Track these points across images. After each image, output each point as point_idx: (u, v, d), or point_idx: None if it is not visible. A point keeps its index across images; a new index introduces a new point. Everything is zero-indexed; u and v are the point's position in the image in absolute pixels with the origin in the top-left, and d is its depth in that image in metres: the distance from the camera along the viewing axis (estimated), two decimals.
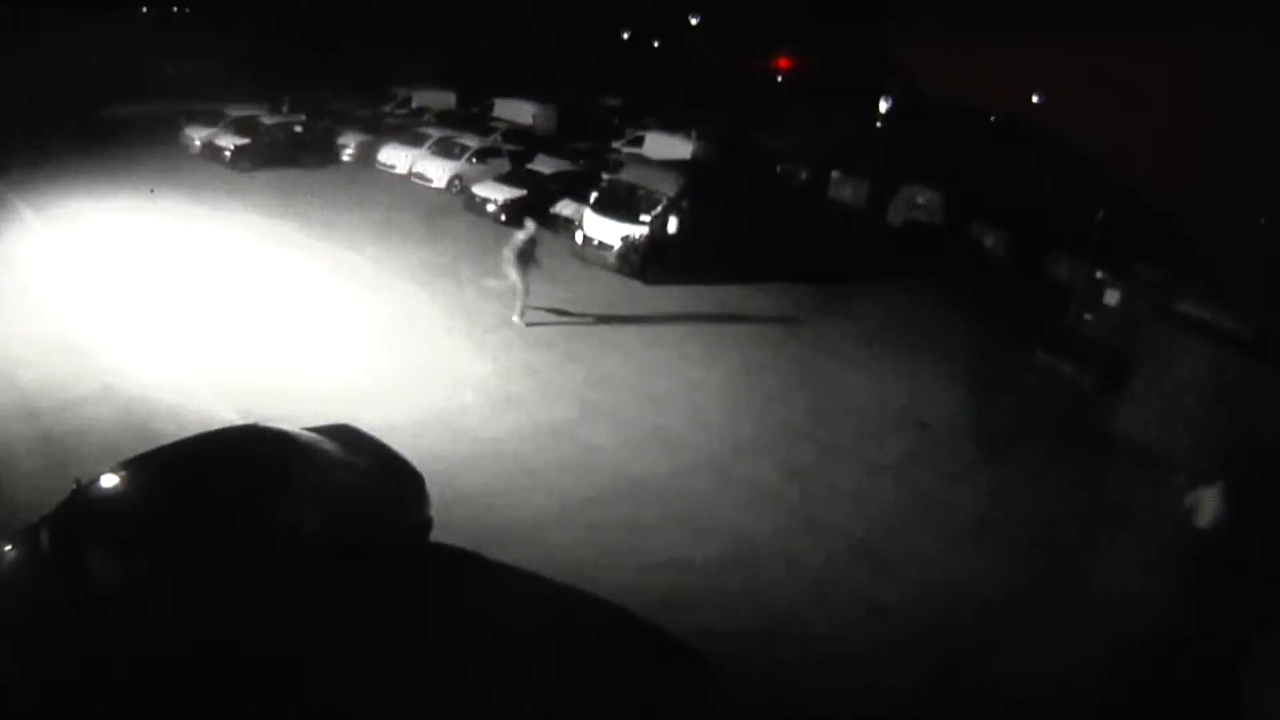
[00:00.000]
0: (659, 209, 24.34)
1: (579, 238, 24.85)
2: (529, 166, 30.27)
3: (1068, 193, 39.19)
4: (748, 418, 17.49)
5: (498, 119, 38.98)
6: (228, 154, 28.74)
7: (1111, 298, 25.04)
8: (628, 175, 26.25)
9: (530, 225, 19.79)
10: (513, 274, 19.63)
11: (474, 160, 30.91)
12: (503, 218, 27.11)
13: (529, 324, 19.74)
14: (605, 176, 28.02)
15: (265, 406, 13.39)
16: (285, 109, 34.21)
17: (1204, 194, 35.23)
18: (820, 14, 61.15)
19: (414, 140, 32.26)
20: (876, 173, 41.61)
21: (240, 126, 29.88)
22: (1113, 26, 44.19)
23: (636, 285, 23.86)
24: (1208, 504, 15.32)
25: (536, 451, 14.60)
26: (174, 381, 14.61)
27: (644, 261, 24.13)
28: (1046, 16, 48.75)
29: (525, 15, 53.78)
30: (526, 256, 19.69)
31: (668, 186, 24.76)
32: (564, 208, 27.11)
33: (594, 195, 25.60)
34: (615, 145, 38.01)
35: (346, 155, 32.14)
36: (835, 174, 41.95)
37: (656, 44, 69.96)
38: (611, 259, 24.21)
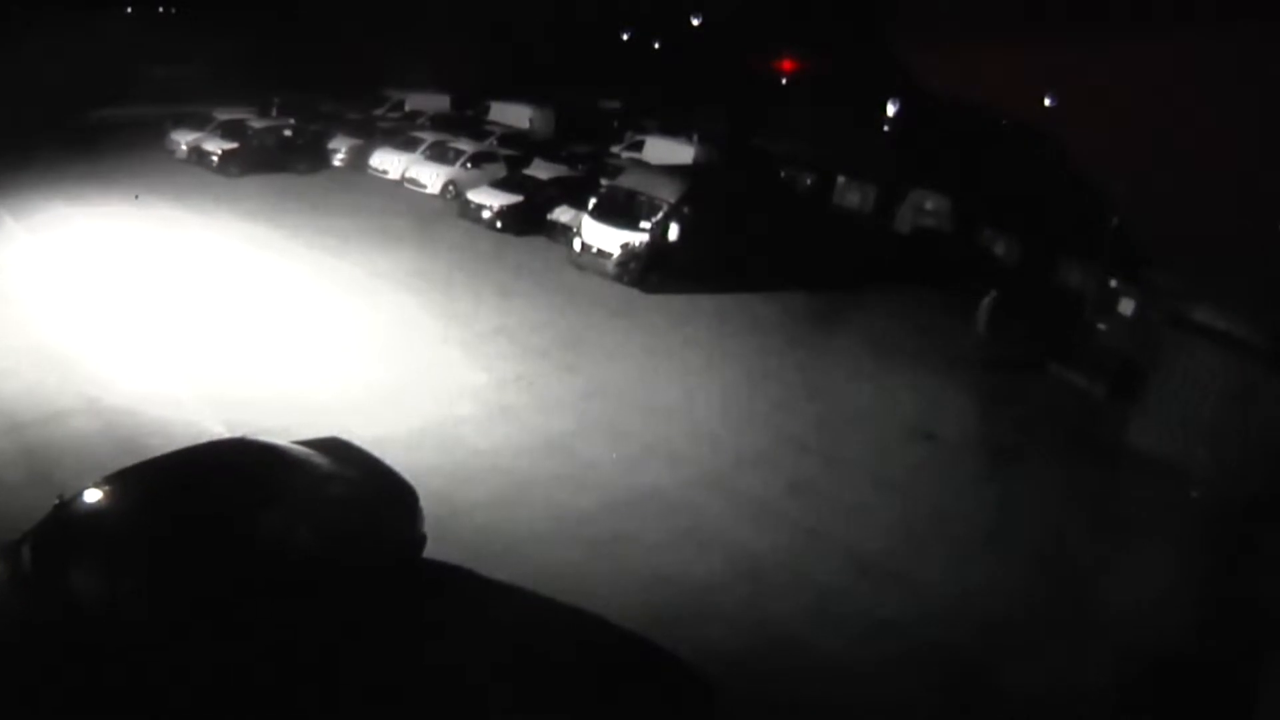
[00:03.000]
0: (659, 216, 24.41)
1: (577, 245, 24.91)
2: (525, 171, 30.37)
3: (1081, 198, 39.27)
4: (751, 429, 17.53)
5: (493, 123, 39.13)
6: (215, 158, 28.82)
7: (1125, 306, 25.07)
8: (627, 181, 26.31)
9: (993, 292, 24.42)
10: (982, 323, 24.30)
11: (469, 165, 31.02)
12: (498, 224, 27.18)
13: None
14: (604, 182, 28.10)
15: (254, 419, 13.41)
16: (274, 112, 34.33)
17: (1219, 198, 35.28)
18: (824, 15, 61.30)
19: (407, 144, 32.38)
20: (883, 177, 41.69)
21: (228, 130, 29.97)
22: (1126, 26, 44.32)
23: (636, 294, 23.92)
24: None
25: (533, 465, 14.63)
26: (160, 393, 14.65)
27: (644, 269, 24.18)
28: (1054, 16, 48.90)
29: (523, 15, 53.90)
30: (995, 313, 24.28)
31: (668, 192, 24.82)
32: (562, 214, 27.18)
33: (592, 201, 25.66)
34: (614, 149, 38.12)
35: (338, 160, 32.25)
36: (841, 179, 42.04)
37: (657, 45, 70.12)
38: (610, 267, 24.25)
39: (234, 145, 29.22)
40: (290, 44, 44.99)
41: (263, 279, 20.48)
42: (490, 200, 27.69)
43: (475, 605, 11.20)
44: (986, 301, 24.28)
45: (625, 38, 68.59)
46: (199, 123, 30.53)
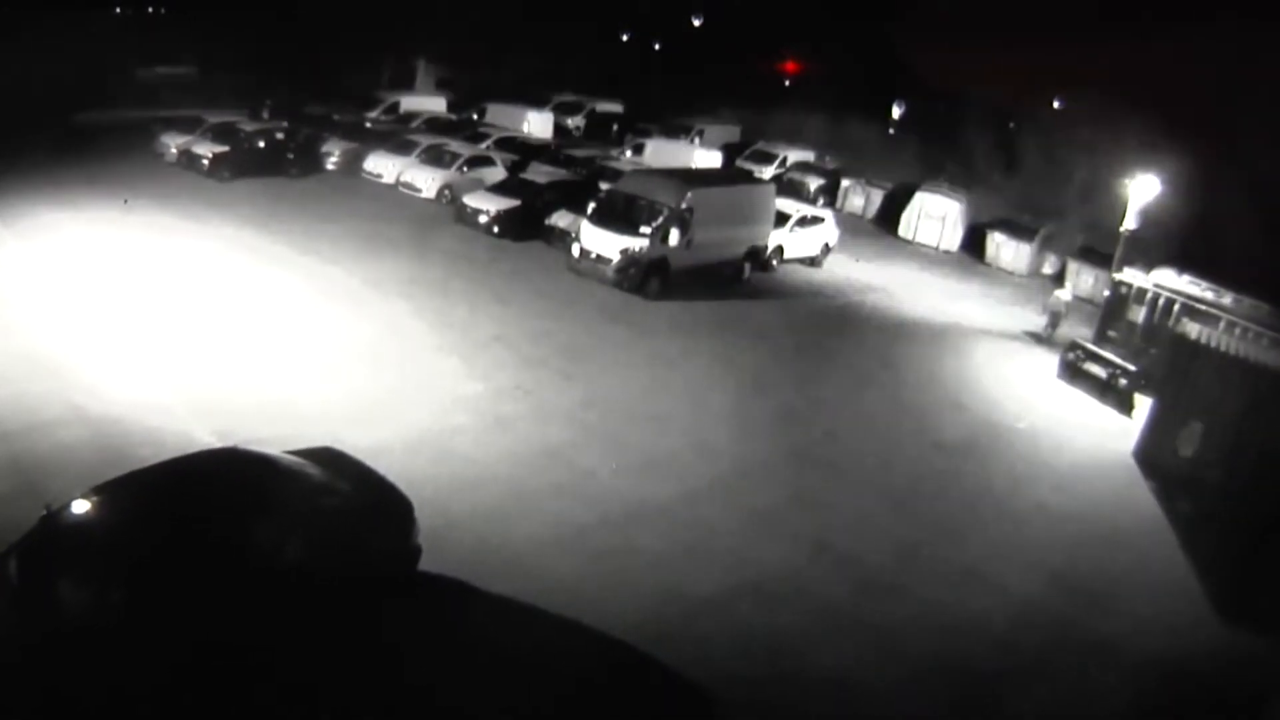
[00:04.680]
0: (660, 220, 24.42)
1: (575, 251, 24.92)
2: (523, 175, 30.38)
3: (1093, 200, 39.33)
4: (754, 439, 17.56)
5: (490, 125, 39.16)
6: (205, 162, 28.84)
7: (1137, 313, 25.12)
8: (627, 185, 26.36)
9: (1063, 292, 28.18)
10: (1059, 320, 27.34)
11: (465, 169, 31.05)
12: (495, 229, 27.21)
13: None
14: (603, 186, 28.15)
15: (245, 429, 13.45)
16: (266, 115, 34.38)
17: (1238, 200, 35.36)
18: (829, 15, 61.55)
19: (402, 148, 32.38)
20: (888, 180, 41.78)
21: (218, 133, 29.96)
22: (1139, 26, 44.48)
23: (636, 300, 23.96)
24: None
25: (531, 476, 14.65)
26: (150, 402, 14.67)
27: (644, 276, 24.21)
28: (1065, 14, 49.12)
29: (521, 17, 54.09)
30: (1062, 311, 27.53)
31: (669, 197, 24.84)
32: (560, 219, 27.19)
33: (592, 206, 25.69)
34: (614, 153, 38.18)
35: (331, 164, 32.25)
36: (846, 182, 42.11)
37: (657, 46, 70.38)
38: (610, 273, 24.27)
39: (225, 149, 29.23)
40: (283, 44, 45.11)
41: (254, 285, 20.50)
42: (487, 205, 27.72)
43: (472, 618, 11.21)
44: (1053, 299, 26.72)
45: (625, 39, 68.81)
46: (189, 126, 30.54)
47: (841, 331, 25.45)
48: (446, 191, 30.12)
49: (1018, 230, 37.13)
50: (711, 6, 67.28)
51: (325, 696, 9.46)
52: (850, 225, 37.12)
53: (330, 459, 11.40)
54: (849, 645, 12.06)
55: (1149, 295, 25.13)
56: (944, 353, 25.12)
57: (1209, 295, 24.49)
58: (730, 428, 17.85)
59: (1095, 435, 21.06)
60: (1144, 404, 21.31)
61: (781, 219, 29.17)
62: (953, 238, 38.01)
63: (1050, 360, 25.10)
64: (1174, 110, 38.04)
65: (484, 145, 34.16)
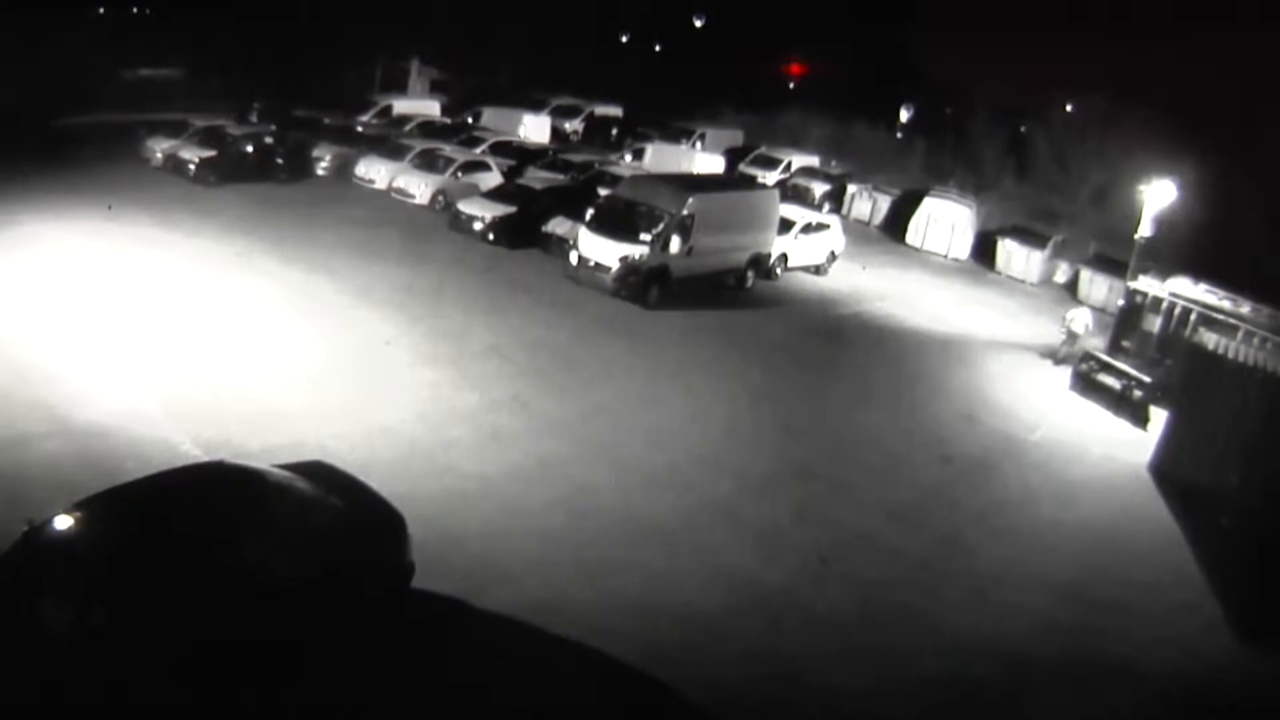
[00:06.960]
0: (660, 227, 24.45)
1: (573, 258, 24.94)
2: (519, 181, 30.45)
3: (1107, 206, 39.47)
4: (757, 452, 17.59)
5: (485, 129, 39.28)
6: (192, 167, 28.91)
7: (1152, 322, 25.17)
8: (626, 191, 26.42)
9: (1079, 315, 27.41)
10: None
11: (460, 174, 31.11)
12: (490, 236, 27.27)
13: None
14: (602, 192, 28.21)
15: (232, 441, 13.50)
16: (254, 118, 34.46)
17: (1257, 206, 35.48)
18: (834, 16, 61.77)
19: (395, 152, 32.44)
20: (895, 186, 41.91)
21: (205, 137, 30.03)
22: (1155, 27, 44.69)
23: (635, 310, 24.00)
24: None
25: (528, 491, 14.67)
26: (135, 414, 14.66)
27: (644, 284, 24.23)
28: (1077, 15, 49.35)
29: (517, 18, 54.24)
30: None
31: (670, 203, 24.89)
32: (557, 226, 27.23)
33: (590, 212, 25.73)
34: (613, 158, 38.29)
35: (321, 169, 32.31)
36: (852, 187, 42.23)
37: (658, 48, 70.62)
38: (609, 281, 24.27)
39: (212, 153, 29.29)
40: (272, 45, 45.17)
41: (240, 294, 20.50)
42: (482, 211, 27.78)
43: (466, 637, 11.23)
44: (1077, 313, 27.00)
45: (625, 40, 68.98)
46: (175, 130, 30.59)
47: (847, 342, 25.52)
48: (440, 197, 30.17)
49: (1029, 237, 37.27)
50: (713, 7, 67.49)
51: (312, 713, 9.48)
52: (857, 232, 37.27)
53: (320, 473, 11.39)
54: (854, 665, 12.07)
55: (1165, 304, 25.18)
56: (953, 364, 25.20)
57: (1226, 304, 24.56)
58: (733, 440, 17.89)
59: (1109, 448, 21.10)
60: (1159, 416, 21.36)
61: (786, 226, 29.26)
62: (962, 245, 38.12)
63: (1063, 372, 25.16)
64: (1191, 113, 38.19)
65: (479, 150, 34.27)
